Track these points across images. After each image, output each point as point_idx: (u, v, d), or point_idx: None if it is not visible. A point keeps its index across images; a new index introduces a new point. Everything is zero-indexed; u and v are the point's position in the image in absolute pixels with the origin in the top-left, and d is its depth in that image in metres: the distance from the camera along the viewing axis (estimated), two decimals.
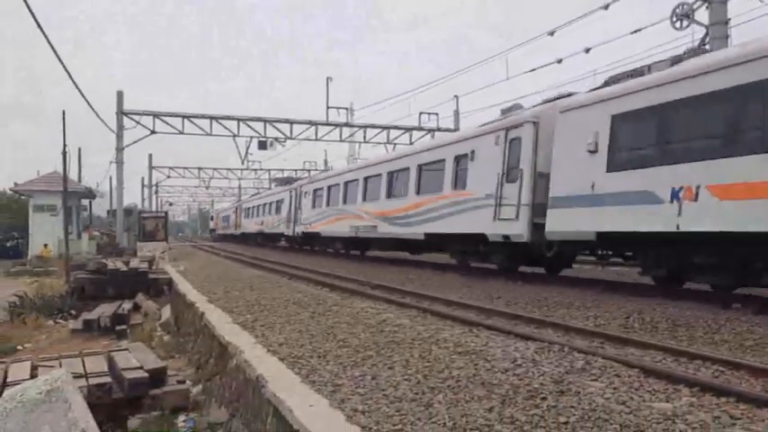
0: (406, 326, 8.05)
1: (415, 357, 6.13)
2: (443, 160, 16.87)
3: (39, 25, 15.26)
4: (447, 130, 35.14)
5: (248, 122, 34.82)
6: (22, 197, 40.00)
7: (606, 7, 19.16)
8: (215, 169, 63.60)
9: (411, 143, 35.18)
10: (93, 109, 27.00)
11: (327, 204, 26.67)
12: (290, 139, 36.35)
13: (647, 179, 10.28)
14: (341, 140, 38.09)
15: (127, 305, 15.35)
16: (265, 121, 35.08)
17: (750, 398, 4.65)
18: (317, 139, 36.56)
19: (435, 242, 17.91)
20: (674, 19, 16.44)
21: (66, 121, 21.11)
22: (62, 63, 19.49)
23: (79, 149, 40.11)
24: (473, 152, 15.40)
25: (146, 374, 7.61)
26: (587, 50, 21.67)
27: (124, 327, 13.51)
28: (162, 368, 8.08)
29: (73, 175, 34.81)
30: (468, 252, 16.66)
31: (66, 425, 4.09)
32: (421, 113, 36.27)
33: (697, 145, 9.55)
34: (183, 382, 8.32)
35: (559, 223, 12.19)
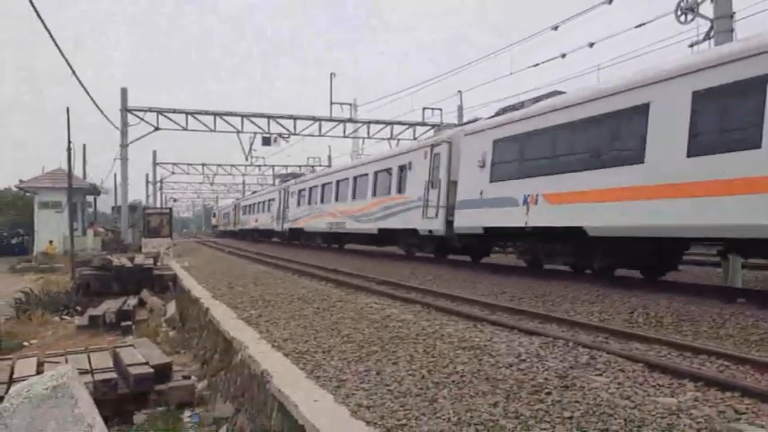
0: (410, 321, 8.06)
1: (419, 352, 6.13)
2: (391, 168, 20.33)
3: (44, 24, 15.27)
4: (450, 125, 35.12)
5: (252, 119, 34.82)
6: (27, 194, 40.10)
7: (610, 1, 19.08)
8: (219, 165, 63.75)
9: (415, 138, 35.14)
10: (97, 106, 27.05)
11: (309, 203, 30.08)
12: (294, 134, 36.36)
13: (510, 188, 13.77)
14: (344, 136, 38.10)
15: (132, 301, 15.38)
16: (269, 117, 35.08)
17: (755, 392, 4.65)
18: (320, 135, 36.56)
19: (386, 236, 21.31)
20: (679, 13, 16.36)
21: (69, 120, 21.15)
22: (67, 61, 19.53)
23: (84, 146, 40.29)
24: (410, 163, 18.91)
25: (151, 370, 7.64)
26: (591, 45, 21.60)
27: (129, 323, 13.54)
28: (167, 364, 8.12)
29: (77, 171, 34.87)
30: (410, 243, 20.39)
31: (73, 420, 4.11)
32: (424, 109, 36.25)
33: (538, 165, 13.07)
34: (189, 377, 8.36)
35: (462, 221, 15.61)
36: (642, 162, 10.43)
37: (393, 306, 9.74)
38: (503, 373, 5.23)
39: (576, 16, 20.70)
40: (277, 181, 48.65)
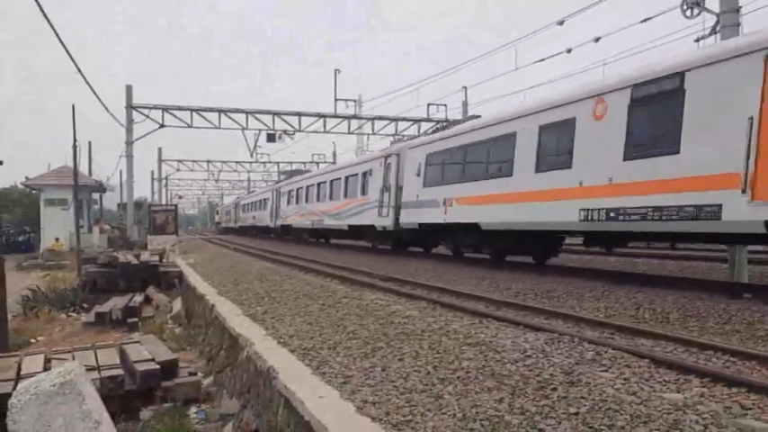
0: (415, 317, 8.06)
1: (424, 349, 6.14)
2: (357, 174, 24.05)
3: (50, 23, 15.33)
4: (456, 121, 35.06)
5: (257, 115, 34.86)
6: (34, 191, 40.25)
7: None
8: (224, 162, 63.82)
9: (419, 134, 35.11)
10: (102, 103, 27.13)
11: (296, 203, 33.95)
12: (299, 131, 36.37)
13: (436, 193, 17.30)
14: (349, 132, 38.09)
15: (138, 298, 15.45)
16: (274, 113, 35.10)
17: (762, 388, 4.63)
18: (325, 132, 36.57)
19: (355, 231, 24.76)
20: (685, 7, 16.26)
21: (75, 118, 21.22)
22: (72, 59, 19.58)
23: (89, 143, 40.24)
24: (371, 170, 22.57)
25: (157, 366, 7.67)
26: (597, 40, 21.49)
27: (135, 319, 13.61)
28: (173, 360, 8.14)
29: (83, 169, 34.97)
30: (372, 237, 23.74)
31: (80, 416, 4.13)
32: (429, 105, 36.18)
33: (453, 175, 16.70)
34: (195, 373, 8.39)
35: (405, 218, 19.34)
36: (511, 176, 13.89)
37: (398, 302, 9.75)
38: (508, 369, 5.23)
39: (582, 11, 20.61)
40: (282, 177, 49.78)
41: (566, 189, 12.07)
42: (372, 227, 21.81)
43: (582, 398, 4.40)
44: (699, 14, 16.24)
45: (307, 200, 31.48)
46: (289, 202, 35.98)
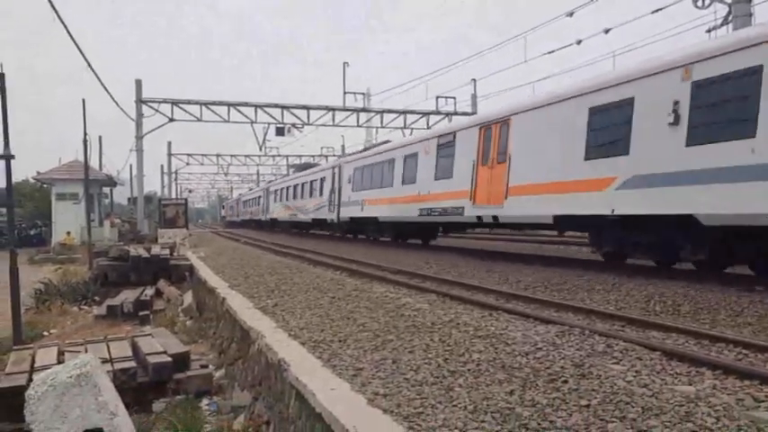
0: (425, 310, 8.07)
1: (435, 341, 6.15)
2: (317, 179, 31.19)
3: (61, 20, 15.39)
4: (464, 113, 34.95)
5: (266, 109, 34.88)
6: (45, 185, 40.50)
7: None
8: (233, 156, 63.95)
9: (428, 127, 35.03)
10: (112, 98, 27.24)
11: (280, 200, 41.40)
12: (308, 124, 36.41)
13: (357, 196, 24.32)
14: (358, 125, 38.05)
15: (149, 291, 15.55)
16: (282, 107, 35.12)
17: None
18: (334, 125, 36.57)
19: (316, 223, 32.38)
20: None
21: (85, 113, 21.32)
22: (83, 54, 19.67)
23: (99, 137, 40.40)
24: (325, 177, 29.80)
25: (169, 359, 7.73)
26: (607, 31, 21.35)
27: (147, 312, 13.70)
28: (185, 353, 8.21)
29: (94, 163, 35.12)
30: (328, 228, 31.69)
31: (96, 408, 4.18)
32: (438, 97, 36.07)
33: (365, 183, 23.58)
34: (206, 366, 8.46)
35: (343, 213, 26.31)
36: (392, 186, 21.11)
37: (408, 295, 9.76)
38: (519, 362, 5.23)
39: (592, 2, 20.46)
40: (291, 170, 51.12)
41: (413, 196, 19.36)
42: (326, 220, 29.45)
43: (593, 390, 4.40)
44: (710, 5, 16.09)
45: (287, 198, 38.91)
46: (275, 200, 43.54)
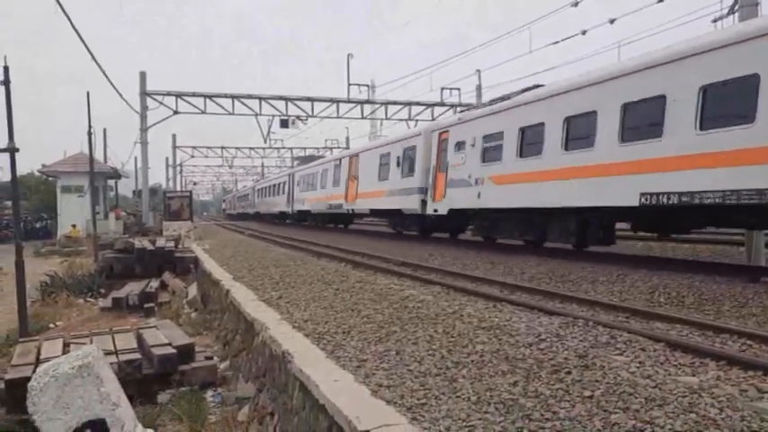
0: (429, 302, 8.08)
1: (438, 333, 6.15)
2: (279, 183, 44.33)
3: (68, 17, 15.38)
4: (469, 105, 34.85)
5: (270, 101, 34.82)
6: (50, 178, 40.57)
7: None
8: (238, 148, 63.87)
9: (433, 119, 34.92)
10: (117, 90, 27.22)
11: (263, 197, 52.05)
12: (312, 117, 36.32)
13: (302, 196, 35.48)
14: (362, 117, 37.93)
15: (154, 283, 15.60)
16: (287, 99, 35.06)
17: None
18: (338, 117, 36.49)
19: (281, 215, 45.28)
20: None
21: (90, 106, 21.33)
22: (88, 49, 19.64)
23: (104, 130, 40.48)
24: (285, 182, 41.63)
25: (174, 351, 7.76)
26: (612, 21, 21.21)
27: (152, 305, 13.74)
28: (190, 345, 8.23)
29: (98, 156, 35.16)
30: (287, 218, 44.51)
31: (99, 398, 4.20)
32: (443, 89, 35.88)
33: (305, 186, 34.64)
34: (211, 358, 8.49)
35: (296, 207, 37.13)
36: (324, 187, 29.90)
37: (412, 287, 9.77)
38: (522, 353, 5.23)
39: None
40: (295, 163, 52.43)
41: (325, 196, 29.71)
42: (287, 212, 40.82)
43: (596, 381, 4.40)
44: None
45: (266, 196, 50.71)
46: (259, 197, 55.27)
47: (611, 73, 11.57)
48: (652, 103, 10.31)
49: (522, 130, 14.14)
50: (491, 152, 15.39)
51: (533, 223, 14.61)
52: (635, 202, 10.54)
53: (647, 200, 10.35)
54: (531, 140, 13.86)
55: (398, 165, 20.84)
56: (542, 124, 13.32)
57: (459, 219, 18.30)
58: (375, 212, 26.13)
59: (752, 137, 8.56)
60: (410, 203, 19.61)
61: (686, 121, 9.57)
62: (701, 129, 9.34)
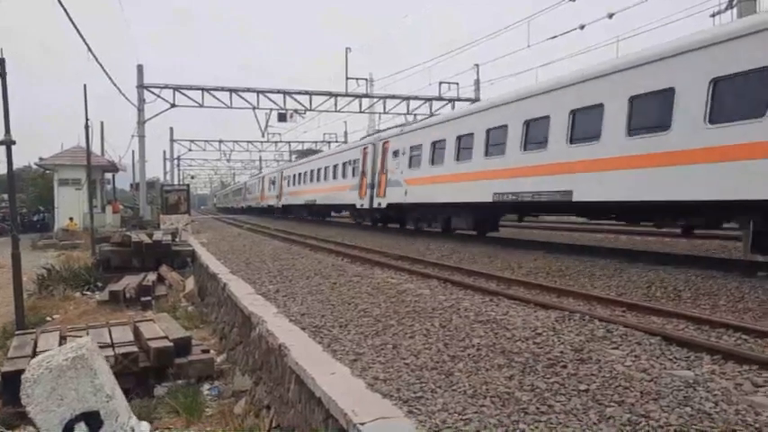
0: (426, 296, 8.08)
1: (435, 326, 6.16)
2: (255, 183, 59.17)
3: (63, 6, 15.30)
4: (467, 99, 34.81)
5: (267, 94, 34.76)
6: (47, 171, 40.45)
7: None
8: (235, 142, 63.78)
9: (431, 114, 34.89)
10: (114, 83, 27.12)
11: (249, 193, 62.24)
12: (310, 110, 36.28)
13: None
14: (360, 111, 37.92)
15: (151, 277, 15.55)
16: (285, 92, 35.00)
17: None
18: (336, 111, 36.44)
19: (267, 209, 50.61)
20: None
21: (86, 98, 21.24)
22: (84, 41, 19.56)
23: (101, 123, 40.32)
24: (258, 181, 56.21)
25: (171, 344, 7.75)
26: (610, 16, 21.19)
27: (149, 298, 13.70)
28: (187, 338, 8.22)
29: (96, 149, 35.04)
30: (272, 212, 50.55)
31: (93, 390, 4.19)
32: (441, 83, 35.87)
33: (294, 183, 39.63)
34: (208, 351, 8.47)
35: (284, 201, 42.28)
36: (305, 184, 35.59)
37: (410, 281, 9.77)
38: (519, 347, 5.24)
39: None
40: (293, 156, 52.53)
41: (300, 191, 36.90)
42: (273, 205, 46.72)
43: (592, 375, 4.40)
44: None
45: (250, 192, 61.91)
46: (247, 192, 65.03)
47: (479, 107, 17.41)
48: (500, 130, 14.96)
49: (433, 144, 18.80)
50: (414, 159, 20.02)
51: (443, 215, 19.51)
52: (490, 199, 15.03)
53: (497, 197, 14.72)
54: (438, 152, 18.50)
55: (353, 167, 26.02)
56: (444, 140, 17.99)
57: (395, 211, 22.61)
58: (339, 206, 31.43)
59: (547, 156, 13.14)
60: (359, 200, 24.69)
61: (516, 145, 14.21)
62: (524, 150, 13.94)
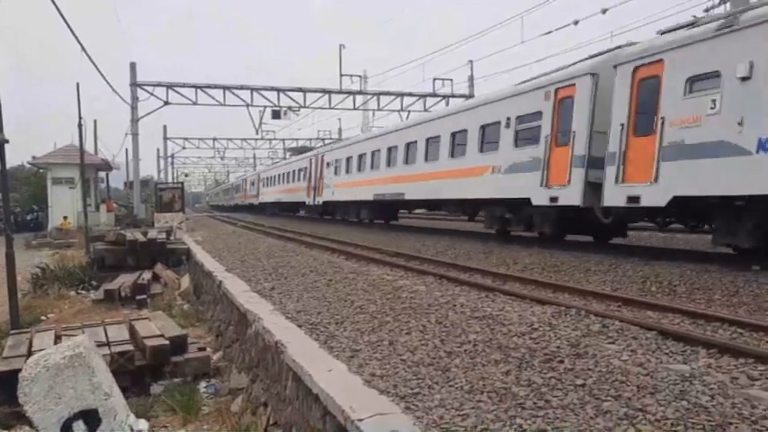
0: (422, 292, 8.09)
1: (431, 323, 6.16)
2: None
3: (56, 6, 15.23)
4: (462, 96, 34.81)
5: (261, 92, 34.66)
6: (41, 170, 40.27)
7: None
8: (229, 139, 63.56)
9: (426, 110, 34.87)
10: (107, 81, 27.04)
11: (236, 192, 68.87)
12: (304, 107, 36.21)
13: (267, 190, 49.00)
14: (354, 108, 37.86)
15: (146, 275, 15.51)
16: (278, 90, 34.91)
17: None
18: (330, 108, 36.38)
19: (249, 206, 57.87)
20: None
21: (79, 96, 21.14)
22: (77, 38, 19.49)
23: (95, 122, 40.16)
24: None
25: (167, 342, 7.73)
26: (604, 11, 21.21)
27: (144, 296, 13.67)
28: (183, 336, 8.21)
29: (89, 147, 34.89)
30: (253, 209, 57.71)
31: (90, 389, 4.18)
32: (435, 79, 35.83)
33: (270, 183, 47.81)
34: (204, 349, 8.46)
35: (261, 199, 51.42)
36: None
37: (405, 277, 9.78)
38: (515, 342, 5.25)
39: None
40: (288, 154, 52.91)
41: (273, 191, 45.50)
42: (253, 203, 53.36)
43: (588, 369, 4.42)
44: None
45: (237, 191, 68.32)
46: (235, 191, 70.87)
47: (369, 136, 27.27)
48: (377, 153, 23.81)
49: (347, 159, 27.31)
50: (337, 169, 28.47)
51: (356, 208, 27.68)
52: (371, 197, 23.52)
53: (375, 197, 23.13)
54: (348, 165, 27.18)
55: (301, 174, 35.40)
56: (351, 157, 26.71)
57: (329, 207, 31.28)
58: (292, 203, 39.63)
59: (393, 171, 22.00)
60: (307, 198, 33.39)
61: (383, 164, 22.98)
62: (387, 166, 22.47)
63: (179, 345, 7.93)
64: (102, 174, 41.39)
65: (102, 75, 25.61)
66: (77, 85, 20.91)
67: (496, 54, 36.43)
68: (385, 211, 26.40)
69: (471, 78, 36.49)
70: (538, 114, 13.55)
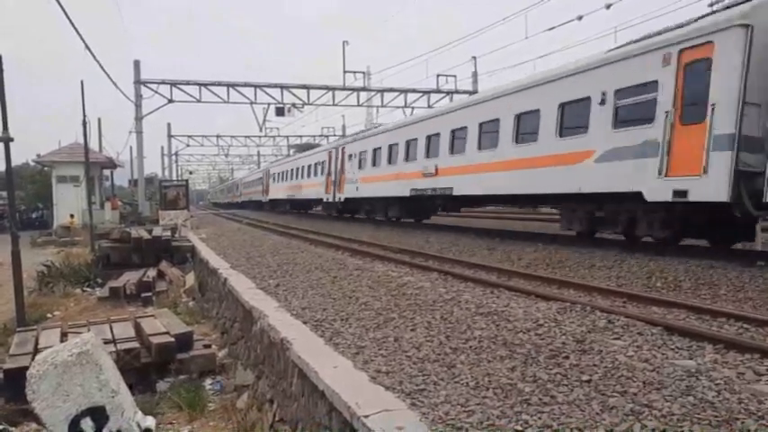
0: (427, 288, 8.09)
1: (436, 319, 6.17)
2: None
3: (61, 5, 15.23)
4: (465, 92, 34.74)
5: (265, 89, 34.63)
6: (45, 168, 40.36)
7: None
8: (233, 137, 63.66)
9: (429, 106, 34.82)
10: (111, 80, 27.05)
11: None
12: (308, 104, 36.18)
13: (280, 185, 43.32)
14: (358, 105, 37.82)
15: (151, 273, 15.54)
16: (282, 87, 34.87)
17: None
18: (334, 105, 36.35)
19: (254, 203, 57.22)
20: None
21: (84, 94, 21.19)
22: (81, 37, 19.48)
23: (99, 120, 40.27)
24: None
25: (172, 339, 7.77)
26: (608, 7, 21.13)
27: (149, 294, 13.71)
28: (188, 333, 8.24)
29: (93, 145, 34.96)
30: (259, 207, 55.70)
31: (98, 386, 4.20)
32: (438, 76, 35.75)
33: (281, 179, 43.54)
34: (209, 346, 8.49)
35: (270, 195, 47.50)
36: (286, 182, 40.76)
37: (410, 274, 9.78)
38: (520, 338, 5.25)
39: None
40: (292, 151, 53.13)
41: (282, 188, 41.86)
42: (261, 200, 50.90)
43: (594, 365, 4.41)
44: None
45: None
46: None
47: (404, 122, 23.14)
48: (414, 142, 20.36)
49: (374, 150, 23.89)
50: (362, 162, 25.11)
51: (384, 205, 24.37)
52: (408, 193, 20.18)
53: (413, 192, 19.76)
54: (376, 157, 23.77)
55: (318, 168, 31.90)
56: (380, 148, 23.27)
57: (352, 204, 27.49)
58: (306, 200, 37.04)
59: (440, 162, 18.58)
60: (325, 195, 30.00)
61: (421, 154, 19.73)
62: (427, 157, 19.10)
63: (185, 342, 7.96)
64: (106, 171, 41.46)
65: (105, 73, 25.62)
66: (81, 82, 20.97)
67: (500, 50, 36.38)
68: (419, 209, 22.67)
69: (475, 74, 36.39)
70: (651, 85, 10.59)
